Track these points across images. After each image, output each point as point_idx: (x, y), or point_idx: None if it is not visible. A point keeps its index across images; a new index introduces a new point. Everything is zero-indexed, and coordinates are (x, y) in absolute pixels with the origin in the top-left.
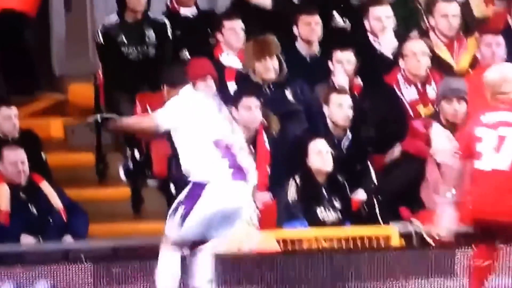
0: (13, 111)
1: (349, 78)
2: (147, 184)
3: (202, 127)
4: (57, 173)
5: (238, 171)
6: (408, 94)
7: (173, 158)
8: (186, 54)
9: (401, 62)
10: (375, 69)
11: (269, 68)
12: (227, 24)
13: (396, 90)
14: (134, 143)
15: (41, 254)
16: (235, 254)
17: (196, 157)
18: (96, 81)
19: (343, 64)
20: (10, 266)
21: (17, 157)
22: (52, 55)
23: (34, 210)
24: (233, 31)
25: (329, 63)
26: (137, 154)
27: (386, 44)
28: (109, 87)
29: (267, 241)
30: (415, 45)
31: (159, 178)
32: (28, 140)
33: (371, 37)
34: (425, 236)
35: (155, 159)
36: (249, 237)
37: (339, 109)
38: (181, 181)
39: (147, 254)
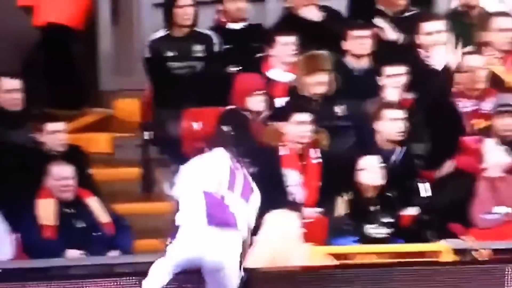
0: (60, 126)
1: (400, 92)
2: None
3: (204, 182)
4: (104, 187)
5: (217, 218)
6: (464, 108)
7: None
8: (234, 69)
9: (457, 77)
10: (426, 83)
11: (320, 83)
12: (280, 39)
13: (453, 104)
14: (182, 158)
15: (87, 269)
16: (283, 270)
17: (182, 200)
18: (142, 97)
19: (394, 78)
20: (56, 281)
21: (65, 173)
22: (99, 70)
23: (81, 225)
24: (286, 46)
25: (379, 77)
26: None
27: (437, 58)
28: (155, 102)
29: (316, 257)
30: (473, 60)
31: None
32: (75, 156)
33: (422, 52)
34: (474, 253)
35: None
36: (295, 252)
37: (390, 124)
38: None
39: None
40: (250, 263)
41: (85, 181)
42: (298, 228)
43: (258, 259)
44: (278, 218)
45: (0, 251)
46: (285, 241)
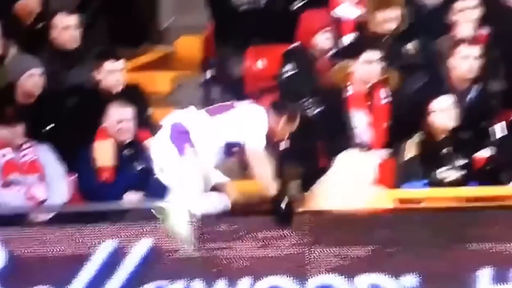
0: (119, 64)
1: (474, 27)
2: None
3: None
4: None
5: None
6: None
7: None
8: (299, 5)
9: None
10: (502, 16)
11: (391, 19)
12: None
13: None
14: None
15: (145, 212)
16: (347, 212)
17: None
18: (205, 34)
19: (467, 13)
20: (114, 224)
21: (124, 113)
22: (159, 6)
23: (139, 167)
24: None
25: (451, 13)
26: None
27: None
28: (218, 40)
29: (384, 200)
30: None
31: None
32: (135, 96)
33: None
34: None
35: None
36: (365, 194)
37: (465, 61)
38: None
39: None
40: (317, 202)
41: (144, 122)
42: (370, 169)
43: (326, 199)
44: (349, 158)
45: (56, 194)
46: (356, 182)
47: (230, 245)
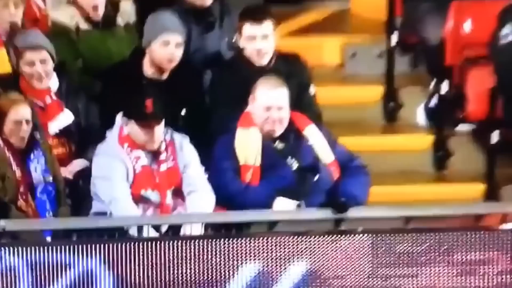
0: (269, 27)
1: None
2: (457, 130)
3: None
4: (330, 113)
5: None
6: None
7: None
8: None
9: None
10: None
11: None
12: None
13: None
14: (443, 73)
15: (300, 225)
16: None
17: None
18: None
19: None
20: (258, 239)
21: (274, 97)
22: None
23: (295, 165)
24: None
25: None
26: (444, 87)
27: None
28: None
29: None
30: None
31: (474, 121)
32: (292, 69)
33: None
34: None
35: (471, 94)
36: None
37: None
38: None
39: (446, 227)
40: None
41: (304, 105)
42: None
43: None
44: None
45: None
46: None
47: (413, 272)
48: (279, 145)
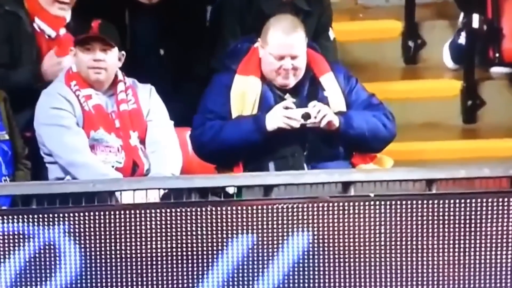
0: None
1: None
2: (491, 74)
3: None
4: (348, 54)
5: None
6: None
7: None
8: None
9: None
10: None
11: None
12: None
13: None
14: (475, 3)
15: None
16: None
17: None
18: None
19: None
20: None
21: (289, 45)
22: None
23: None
24: None
25: None
26: (475, 21)
27: None
28: None
29: None
30: None
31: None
32: (312, 4)
33: None
34: None
35: (508, 29)
36: None
37: None
38: None
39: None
40: None
41: (320, 49)
42: None
43: None
44: None
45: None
46: None
47: (436, 244)
48: (289, 100)
